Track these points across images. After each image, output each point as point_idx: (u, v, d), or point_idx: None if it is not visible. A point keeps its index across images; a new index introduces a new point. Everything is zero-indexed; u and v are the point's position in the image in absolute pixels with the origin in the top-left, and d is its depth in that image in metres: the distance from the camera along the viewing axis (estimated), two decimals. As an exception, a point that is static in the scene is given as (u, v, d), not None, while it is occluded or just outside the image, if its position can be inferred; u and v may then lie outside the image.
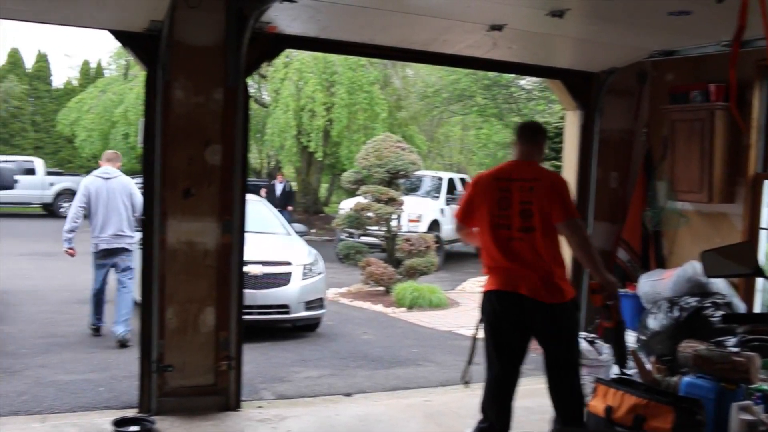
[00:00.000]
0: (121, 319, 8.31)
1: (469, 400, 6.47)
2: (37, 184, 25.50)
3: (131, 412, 5.73)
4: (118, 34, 5.70)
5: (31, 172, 24.92)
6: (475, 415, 6.09)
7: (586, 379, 6.37)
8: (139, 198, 8.21)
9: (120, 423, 5.40)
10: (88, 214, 8.56)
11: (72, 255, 8.73)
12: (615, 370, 6.35)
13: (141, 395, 5.79)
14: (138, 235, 7.80)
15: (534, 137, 4.83)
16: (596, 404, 5.43)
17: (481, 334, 5.01)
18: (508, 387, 4.99)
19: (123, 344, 8.15)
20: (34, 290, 11.90)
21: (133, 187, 8.60)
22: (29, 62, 34.87)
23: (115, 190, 8.43)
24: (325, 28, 6.07)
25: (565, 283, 4.63)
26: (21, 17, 5.88)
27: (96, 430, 5.41)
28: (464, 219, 4.84)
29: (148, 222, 5.61)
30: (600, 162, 7.22)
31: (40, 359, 7.60)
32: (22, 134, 33.32)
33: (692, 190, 6.79)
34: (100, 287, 8.65)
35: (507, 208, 4.57)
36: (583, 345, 6.51)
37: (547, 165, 9.98)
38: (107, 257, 8.53)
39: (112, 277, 8.67)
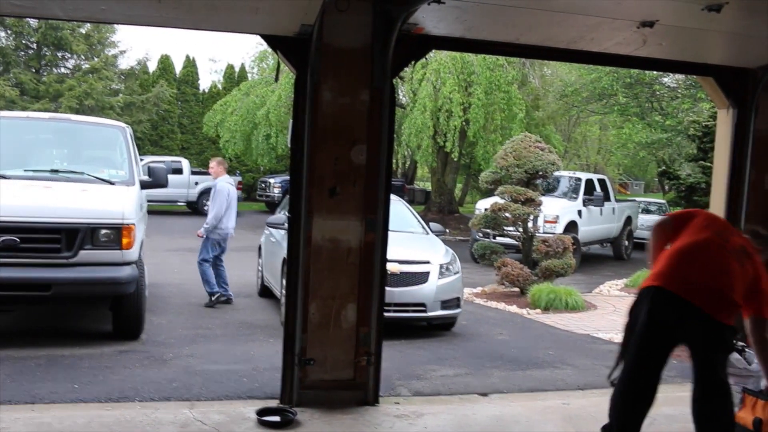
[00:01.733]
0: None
1: (608, 405, 6.36)
2: (184, 183, 26.68)
3: (273, 403, 5.94)
4: (270, 39, 5.92)
5: (178, 171, 26.07)
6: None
7: (735, 389, 6.12)
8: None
9: (263, 412, 5.61)
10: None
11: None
12: (765, 382, 6.07)
13: (283, 387, 5.98)
14: None
15: None
16: (744, 416, 5.23)
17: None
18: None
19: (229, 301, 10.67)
20: (181, 284, 12.47)
21: None
22: (178, 67, 36.58)
23: (234, 193, 10.82)
24: (471, 28, 6.09)
25: None
26: (181, 25, 6.20)
27: (241, 418, 5.62)
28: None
29: (295, 220, 5.78)
30: (754, 163, 6.89)
31: (188, 349, 7.97)
32: (170, 136, 35.02)
33: None
34: None
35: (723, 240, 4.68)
36: (733, 355, 6.26)
37: (692, 165, 9.66)
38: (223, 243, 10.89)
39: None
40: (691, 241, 4.65)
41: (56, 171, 8.55)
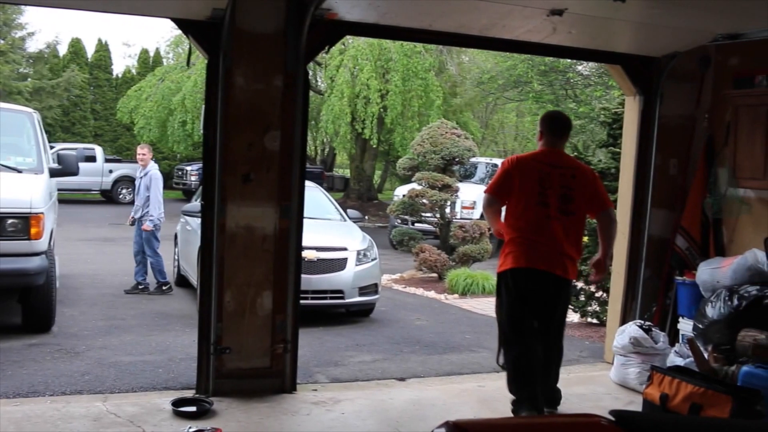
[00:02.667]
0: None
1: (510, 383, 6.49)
2: (97, 171, 26.06)
3: (189, 393, 5.88)
4: (181, 23, 5.80)
5: (91, 159, 25.42)
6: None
7: (642, 367, 6.34)
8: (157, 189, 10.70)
9: (178, 403, 5.54)
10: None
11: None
12: (672, 358, 6.31)
13: (199, 377, 5.91)
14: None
15: (564, 129, 5.58)
16: (651, 392, 5.41)
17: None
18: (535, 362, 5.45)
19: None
20: (95, 274, 12.20)
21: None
22: (90, 51, 35.56)
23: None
24: (385, 14, 6.09)
25: (575, 265, 5.51)
26: (89, 8, 6.05)
27: (156, 409, 5.53)
28: (499, 195, 5.43)
29: (208, 206, 5.70)
30: (660, 148, 7.10)
31: (101, 341, 7.80)
32: (82, 122, 34.02)
33: (755, 177, 6.65)
34: None
35: (548, 189, 5.23)
36: (639, 333, 6.47)
37: (605, 151, 9.90)
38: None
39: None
40: (523, 207, 5.33)
41: (-41, 159, 8.23)
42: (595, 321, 9.48)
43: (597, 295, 9.47)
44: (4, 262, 7.29)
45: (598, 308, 9.45)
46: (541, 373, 5.43)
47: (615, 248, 6.79)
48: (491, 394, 6.32)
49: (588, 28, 6.49)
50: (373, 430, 5.37)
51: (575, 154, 10.13)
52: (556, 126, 5.53)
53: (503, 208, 5.54)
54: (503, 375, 6.96)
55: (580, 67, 23.48)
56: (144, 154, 10.95)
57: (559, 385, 5.78)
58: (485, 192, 5.54)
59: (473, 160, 15.94)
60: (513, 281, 5.37)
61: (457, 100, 27.97)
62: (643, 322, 6.67)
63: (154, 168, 10.85)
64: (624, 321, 7.04)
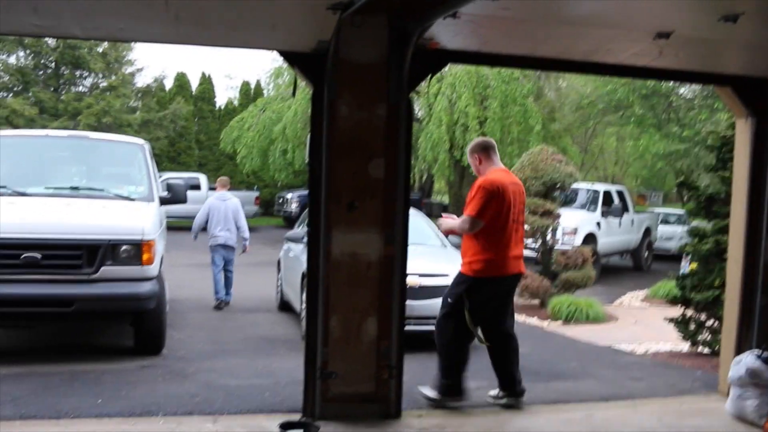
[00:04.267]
0: (229, 291, 11.99)
1: (633, 417, 6.35)
2: (201, 198, 26.75)
3: (296, 417, 5.95)
4: (287, 55, 5.96)
5: (196, 187, 26.18)
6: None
7: (761, 399, 6.07)
8: (242, 217, 12.21)
9: (286, 426, 5.62)
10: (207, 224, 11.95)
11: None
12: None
13: (305, 400, 5.99)
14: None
15: (494, 149, 6.60)
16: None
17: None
18: None
19: (222, 306, 11.79)
20: (200, 298, 12.53)
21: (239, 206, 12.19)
22: (194, 84, 36.85)
23: (228, 209, 11.94)
24: (487, 42, 6.11)
25: None
26: (199, 43, 6.27)
27: (263, 431, 5.63)
28: (484, 216, 6.19)
29: (314, 234, 5.81)
30: (774, 172, 6.84)
31: (209, 364, 8.00)
32: (187, 152, 35.23)
33: None
34: None
35: (514, 207, 6.28)
36: (757, 364, 6.21)
37: (712, 175, 9.61)
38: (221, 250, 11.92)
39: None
40: (502, 225, 6.29)
41: (76, 188, 8.63)
42: (706, 350, 9.16)
43: (708, 324, 9.16)
44: (118, 287, 7.59)
45: (709, 337, 9.13)
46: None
47: (729, 276, 6.65)
48: (600, 423, 6.19)
49: (696, 50, 6.34)
50: (479, 459, 5.32)
51: (680, 179, 9.86)
52: (494, 149, 6.59)
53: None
54: (612, 404, 6.87)
55: (683, 90, 22.93)
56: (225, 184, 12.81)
57: (671, 417, 5.64)
58: (471, 215, 6.23)
59: (574, 185, 15.71)
60: (492, 286, 6.40)
61: (555, 125, 27.65)
62: (761, 352, 6.39)
63: (211, 197, 12.34)
64: (739, 351, 6.75)
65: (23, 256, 7.27)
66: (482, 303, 6.40)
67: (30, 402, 6.28)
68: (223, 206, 11.99)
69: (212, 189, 27.48)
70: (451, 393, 6.48)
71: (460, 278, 6.47)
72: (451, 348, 6.49)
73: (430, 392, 6.53)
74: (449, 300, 6.47)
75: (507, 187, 6.24)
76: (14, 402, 6.27)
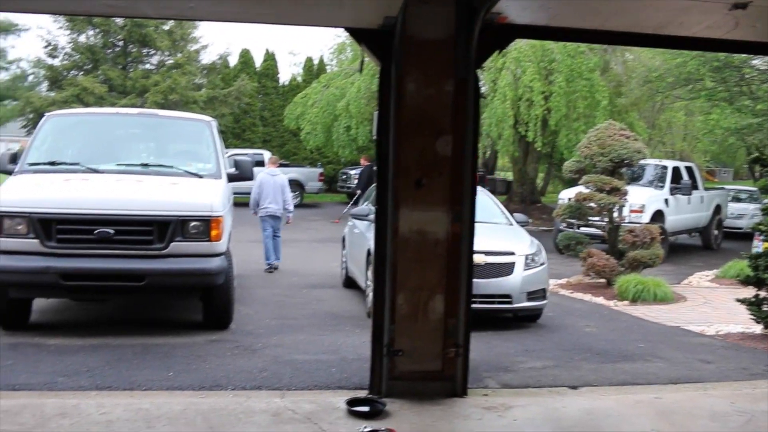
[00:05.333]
0: (279, 255, 13.31)
1: (704, 400, 6.24)
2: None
3: (362, 393, 6.00)
4: (354, 32, 5.95)
5: (260, 164, 26.37)
6: (710, 416, 5.85)
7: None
8: (288, 191, 13.48)
9: (353, 403, 5.67)
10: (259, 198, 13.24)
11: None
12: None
13: (372, 377, 6.03)
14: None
15: None
16: None
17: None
18: None
19: (272, 269, 13.11)
20: (266, 274, 12.72)
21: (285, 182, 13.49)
22: (258, 61, 37.13)
23: (277, 183, 13.22)
24: (556, 15, 5.99)
25: None
26: (266, 21, 6.30)
27: (331, 407, 5.70)
28: None
29: (382, 212, 5.81)
30: None
31: (276, 339, 8.10)
32: (252, 129, 35.57)
33: None
34: None
35: None
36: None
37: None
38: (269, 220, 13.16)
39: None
40: None
41: (146, 165, 8.78)
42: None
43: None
44: (187, 262, 7.72)
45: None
46: None
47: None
48: (669, 406, 6.08)
49: (775, 21, 6.11)
50: (546, 438, 5.29)
51: (754, 154, 9.57)
52: None
53: None
54: (681, 387, 6.76)
55: (756, 62, 22.20)
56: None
57: (744, 401, 5.51)
58: None
59: (642, 162, 15.39)
60: None
61: (622, 99, 27.07)
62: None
63: (261, 172, 13.19)
64: (816, 333, 6.57)
65: (97, 231, 7.44)
66: None
67: (105, 373, 6.46)
68: (272, 181, 13.24)
69: (283, 165, 27.97)
70: None
71: None
72: None
73: None
74: None
75: None
76: (90, 372, 6.46)
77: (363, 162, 20.95)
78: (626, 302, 11.35)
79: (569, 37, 7.33)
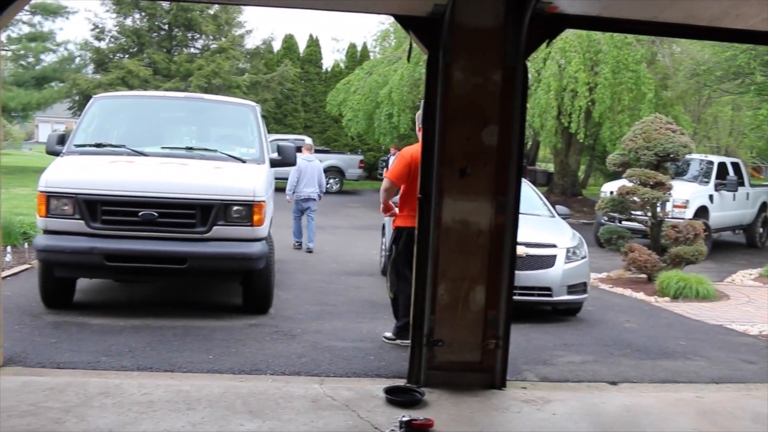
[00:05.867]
0: (312, 238, 14.16)
1: (746, 401, 6.14)
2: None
3: (400, 382, 6.00)
4: (402, 19, 5.91)
5: (301, 150, 26.52)
6: (753, 418, 5.76)
7: None
8: (323, 177, 14.61)
9: (391, 391, 5.66)
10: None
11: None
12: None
13: (411, 366, 6.02)
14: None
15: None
16: None
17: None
18: None
19: (310, 251, 13.97)
20: (306, 260, 12.79)
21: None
22: (301, 47, 37.23)
23: (313, 169, 14.21)
24: (608, 6, 5.90)
25: None
26: (316, 7, 6.29)
27: (369, 395, 5.70)
28: (399, 181, 7.20)
29: (426, 201, 5.78)
30: None
31: (315, 325, 8.13)
32: (294, 114, 35.76)
33: None
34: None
35: None
36: None
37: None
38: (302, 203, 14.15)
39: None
40: (413, 189, 6.70)
41: (191, 149, 8.83)
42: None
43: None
44: (229, 246, 7.77)
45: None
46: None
47: None
48: (711, 406, 5.99)
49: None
50: (585, 434, 5.24)
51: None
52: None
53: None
54: (723, 387, 6.65)
55: (810, 56, 21.67)
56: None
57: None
58: (387, 177, 7.36)
59: (687, 156, 15.13)
60: (407, 235, 6.95)
61: (668, 92, 26.65)
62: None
63: (299, 158, 13.24)
64: None
65: (141, 213, 7.52)
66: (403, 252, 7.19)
67: (146, 354, 6.54)
68: (309, 167, 14.21)
69: (320, 151, 28.09)
70: (401, 334, 7.28)
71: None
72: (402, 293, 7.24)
73: (388, 333, 7.54)
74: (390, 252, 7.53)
75: (416, 157, 6.78)
76: (132, 353, 6.54)
77: (392, 151, 21.14)
78: (667, 299, 11.20)
79: (621, 28, 7.19)
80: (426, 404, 5.52)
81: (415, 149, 7.16)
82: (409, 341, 6.56)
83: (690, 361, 7.61)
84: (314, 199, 14.21)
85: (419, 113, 6.94)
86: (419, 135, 6.57)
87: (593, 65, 22.49)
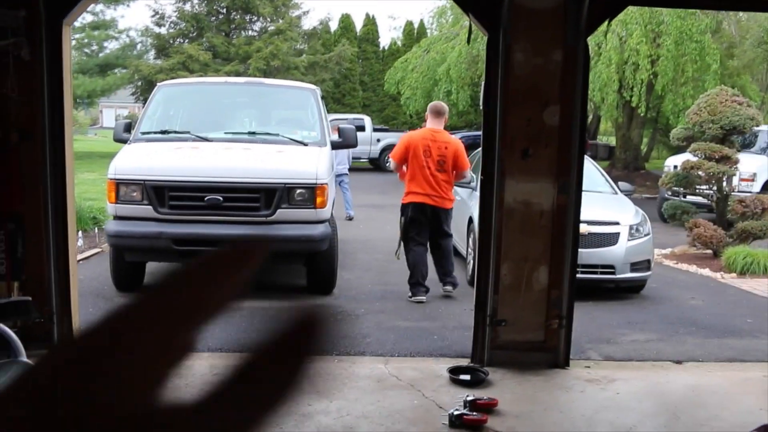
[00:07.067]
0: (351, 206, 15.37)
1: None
2: (366, 140, 27.28)
3: (464, 362, 6.06)
4: (462, 1, 5.91)
5: (361, 129, 26.60)
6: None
7: None
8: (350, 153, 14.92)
9: (455, 371, 5.74)
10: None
11: None
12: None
13: (474, 346, 6.08)
14: None
15: (441, 115, 8.41)
16: None
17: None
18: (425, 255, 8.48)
19: (350, 218, 14.94)
20: (366, 240, 12.85)
21: None
22: (358, 26, 37.27)
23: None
24: (670, -18, 5.82)
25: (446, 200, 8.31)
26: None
27: (433, 375, 5.78)
28: (400, 161, 8.32)
29: (488, 182, 5.81)
30: None
31: (378, 305, 8.24)
32: (352, 93, 35.86)
33: None
34: None
35: (428, 157, 8.11)
36: None
37: None
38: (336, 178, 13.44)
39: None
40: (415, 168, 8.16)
41: (253, 133, 8.98)
42: None
43: None
44: (293, 228, 7.89)
45: None
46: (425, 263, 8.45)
47: None
48: (781, 386, 5.91)
49: None
50: (650, 413, 5.24)
51: None
52: (436, 113, 8.37)
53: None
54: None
55: None
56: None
57: None
58: (391, 157, 8.71)
59: (754, 128, 14.77)
60: (410, 210, 8.27)
61: (733, 62, 26.01)
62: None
63: None
64: None
65: (207, 198, 7.69)
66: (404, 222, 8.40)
67: (215, 335, 6.68)
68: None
69: (379, 130, 28.13)
70: (414, 291, 8.36)
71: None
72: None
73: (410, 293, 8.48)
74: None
75: (420, 141, 8.17)
76: (201, 335, 6.71)
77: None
78: (734, 275, 11.01)
79: (688, 3, 7.07)
80: (490, 383, 5.58)
81: (414, 134, 8.52)
82: (413, 297, 8.37)
83: (757, 339, 7.50)
84: (345, 173, 14.87)
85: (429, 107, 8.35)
86: (424, 124, 7.71)
87: (655, 37, 22.04)
